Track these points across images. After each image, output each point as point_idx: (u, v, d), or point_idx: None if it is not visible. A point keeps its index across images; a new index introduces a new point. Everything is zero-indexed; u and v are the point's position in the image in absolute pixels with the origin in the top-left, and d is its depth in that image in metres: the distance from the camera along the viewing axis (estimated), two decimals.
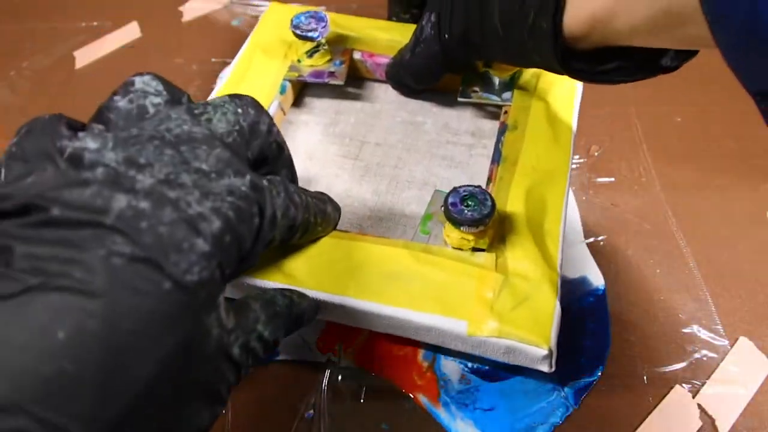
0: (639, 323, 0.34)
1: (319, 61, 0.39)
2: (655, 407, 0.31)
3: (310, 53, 0.39)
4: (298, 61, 0.39)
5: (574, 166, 0.41)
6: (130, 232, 0.18)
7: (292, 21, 0.38)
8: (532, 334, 0.27)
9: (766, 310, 0.35)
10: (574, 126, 0.36)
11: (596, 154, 0.42)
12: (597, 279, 0.36)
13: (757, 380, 0.32)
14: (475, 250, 0.30)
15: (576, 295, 0.35)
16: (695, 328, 0.34)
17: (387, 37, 0.41)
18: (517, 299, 0.28)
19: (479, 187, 0.29)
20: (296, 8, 0.43)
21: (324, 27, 0.37)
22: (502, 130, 0.36)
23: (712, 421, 0.31)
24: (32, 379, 0.16)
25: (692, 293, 0.36)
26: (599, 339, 0.34)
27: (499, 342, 0.27)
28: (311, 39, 0.37)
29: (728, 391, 0.32)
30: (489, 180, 0.34)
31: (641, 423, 0.31)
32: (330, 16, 0.40)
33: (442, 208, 0.29)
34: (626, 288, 0.36)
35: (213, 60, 0.49)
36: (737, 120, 0.44)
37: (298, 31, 0.37)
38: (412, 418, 0.31)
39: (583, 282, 0.36)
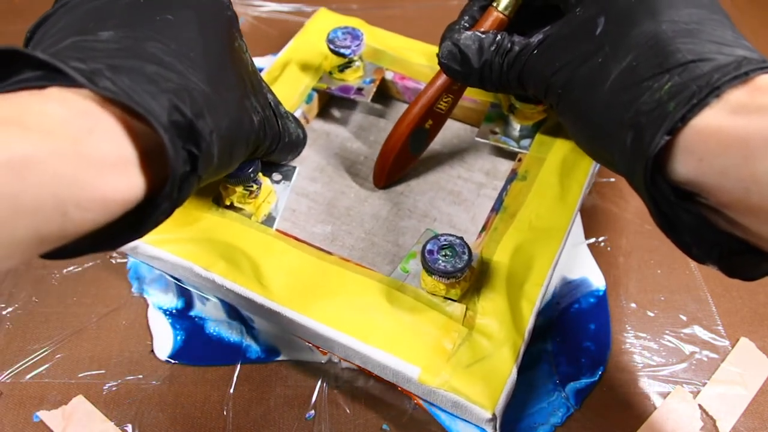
0: (640, 324, 0.34)
1: (350, 77, 0.40)
2: (656, 408, 0.31)
3: (342, 68, 0.39)
4: (330, 73, 0.40)
5: None
6: None
7: (328, 35, 0.38)
8: (479, 396, 0.27)
9: (767, 310, 0.35)
10: (586, 188, 0.34)
11: None
12: (598, 280, 0.36)
13: (758, 380, 0.32)
14: (446, 298, 0.30)
15: (577, 296, 0.35)
16: (696, 329, 0.34)
17: (420, 62, 0.40)
18: (475, 357, 0.28)
19: (461, 238, 0.29)
20: (342, 18, 0.43)
21: (358, 45, 0.38)
22: (511, 178, 0.35)
23: (714, 421, 0.31)
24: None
25: (693, 293, 0.36)
26: (600, 340, 0.34)
27: (447, 395, 0.27)
28: (343, 55, 0.38)
29: (729, 391, 0.32)
30: (484, 227, 0.33)
31: (642, 423, 0.31)
32: (369, 31, 0.40)
33: None
34: (627, 288, 0.36)
35: None
36: None
37: (332, 46, 0.38)
38: (412, 418, 0.31)
39: (583, 283, 0.36)
